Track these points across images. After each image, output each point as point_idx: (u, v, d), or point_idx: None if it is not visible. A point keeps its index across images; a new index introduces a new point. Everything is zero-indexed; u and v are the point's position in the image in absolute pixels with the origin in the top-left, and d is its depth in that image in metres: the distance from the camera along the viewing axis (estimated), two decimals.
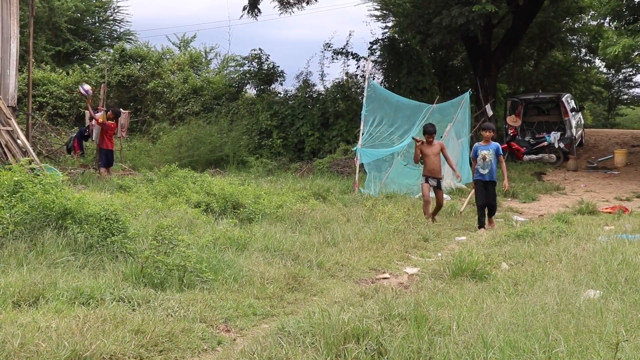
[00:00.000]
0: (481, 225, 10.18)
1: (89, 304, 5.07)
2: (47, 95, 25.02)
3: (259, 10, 23.31)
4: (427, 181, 10.63)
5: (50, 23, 30.04)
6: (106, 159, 15.65)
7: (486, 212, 10.35)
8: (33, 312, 4.76)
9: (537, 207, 12.98)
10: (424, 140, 10.64)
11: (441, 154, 10.74)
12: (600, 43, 18.40)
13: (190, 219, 8.58)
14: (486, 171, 10.15)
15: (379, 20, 29.17)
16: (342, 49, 22.43)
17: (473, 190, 10.78)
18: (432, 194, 10.85)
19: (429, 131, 10.65)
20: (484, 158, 10.16)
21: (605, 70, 35.37)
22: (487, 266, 6.71)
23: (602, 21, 21.06)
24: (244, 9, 23.23)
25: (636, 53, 18.48)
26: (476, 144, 10.56)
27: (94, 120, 17.01)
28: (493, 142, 10.43)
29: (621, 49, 16.79)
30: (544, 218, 11.22)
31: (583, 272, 6.15)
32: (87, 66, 28.32)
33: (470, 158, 11.69)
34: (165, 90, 24.58)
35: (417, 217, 10.43)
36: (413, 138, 11.04)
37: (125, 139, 20.36)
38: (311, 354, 4.14)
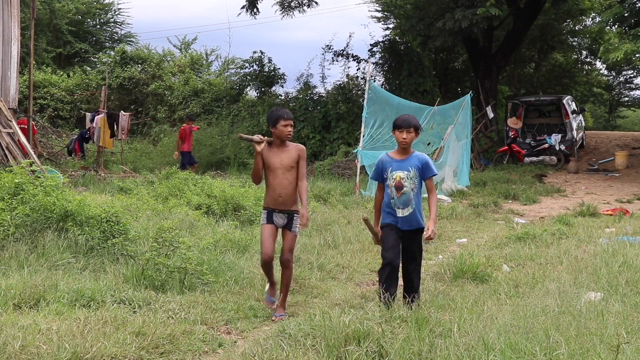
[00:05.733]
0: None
1: (89, 306, 5.07)
2: (48, 97, 25.09)
3: (258, 10, 23.39)
4: (269, 219, 5.50)
5: (52, 25, 30.10)
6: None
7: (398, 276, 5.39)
8: (34, 314, 4.76)
9: (538, 209, 12.97)
10: (264, 140, 5.50)
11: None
12: (601, 47, 18.38)
13: (191, 221, 8.59)
14: (405, 211, 5.26)
15: (380, 22, 29.24)
16: (343, 50, 22.48)
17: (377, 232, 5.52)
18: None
19: (276, 118, 5.47)
20: (398, 186, 5.26)
21: (606, 72, 35.42)
22: (488, 268, 6.72)
23: (604, 24, 21.05)
24: (243, 7, 23.32)
25: (637, 56, 18.44)
26: (383, 156, 5.51)
27: (94, 122, 17.06)
28: (416, 154, 5.40)
29: (623, 55, 16.77)
30: (544, 220, 11.21)
31: (584, 275, 6.15)
32: (88, 68, 28.42)
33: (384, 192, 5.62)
34: (166, 92, 24.62)
35: None
36: (240, 136, 5.88)
37: (126, 141, 20.39)
38: (312, 356, 4.14)
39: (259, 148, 5.39)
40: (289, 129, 5.49)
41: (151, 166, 18.12)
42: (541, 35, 27.17)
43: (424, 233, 5.26)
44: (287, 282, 5.55)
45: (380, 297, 5.15)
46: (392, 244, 5.26)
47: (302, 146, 5.62)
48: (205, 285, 5.92)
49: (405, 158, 5.33)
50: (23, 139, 13.30)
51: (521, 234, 8.84)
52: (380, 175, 5.41)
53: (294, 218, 5.49)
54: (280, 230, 5.55)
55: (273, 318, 5.41)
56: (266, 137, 5.49)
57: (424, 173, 5.32)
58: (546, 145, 20.12)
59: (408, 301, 5.28)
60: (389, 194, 5.32)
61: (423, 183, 5.38)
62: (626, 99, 38.14)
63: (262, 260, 5.50)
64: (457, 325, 4.45)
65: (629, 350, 3.79)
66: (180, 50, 32.91)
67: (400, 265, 5.36)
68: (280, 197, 5.42)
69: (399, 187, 5.25)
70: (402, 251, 5.32)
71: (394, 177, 5.27)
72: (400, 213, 5.26)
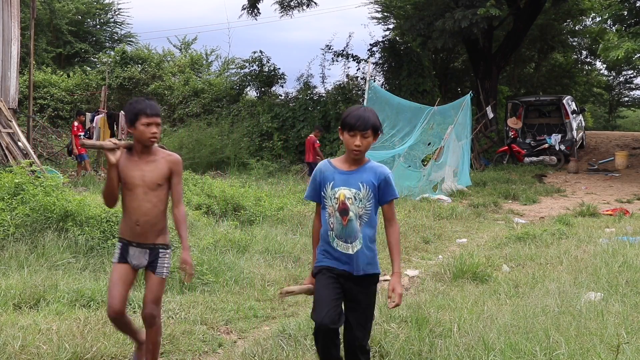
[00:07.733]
0: None
1: (89, 306, 5.08)
2: (48, 97, 25.09)
3: (258, 11, 23.49)
4: (122, 256, 3.80)
5: (51, 25, 30.11)
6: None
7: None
8: (34, 314, 4.77)
9: (538, 209, 12.97)
10: (119, 146, 3.74)
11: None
12: (601, 45, 18.44)
13: (191, 221, 8.58)
14: (350, 247, 3.52)
15: (380, 23, 29.27)
16: (343, 51, 22.52)
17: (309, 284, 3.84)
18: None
19: (135, 113, 3.70)
20: (343, 209, 3.48)
21: (606, 72, 35.46)
22: (488, 268, 6.71)
23: (603, 25, 21.09)
24: (244, 8, 23.38)
25: (637, 55, 18.47)
26: (323, 164, 3.63)
27: (94, 122, 17.07)
28: (372, 164, 3.56)
29: (624, 53, 16.79)
30: (544, 220, 11.21)
31: (584, 275, 6.15)
32: (88, 68, 28.41)
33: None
34: (166, 92, 24.64)
35: (418, 219, 10.40)
36: (83, 144, 4.14)
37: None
38: (312, 356, 4.14)
39: (112, 158, 3.68)
40: (153, 129, 3.72)
41: None
42: (541, 35, 27.20)
43: (388, 300, 3.58)
44: (155, 347, 3.85)
45: None
46: (329, 299, 3.48)
47: (177, 156, 3.85)
48: (205, 285, 5.92)
49: (355, 169, 3.52)
50: (23, 139, 13.31)
51: (521, 234, 8.84)
52: (317, 193, 3.61)
53: (160, 255, 3.80)
54: (140, 271, 3.93)
55: None
56: (122, 142, 3.81)
57: (382, 194, 3.52)
58: (546, 145, 20.13)
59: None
60: (328, 221, 3.54)
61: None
62: (626, 99, 38.20)
63: (109, 316, 3.75)
64: (457, 325, 4.46)
65: (629, 350, 3.79)
66: (180, 50, 32.94)
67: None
68: (138, 226, 3.72)
69: (344, 211, 3.47)
70: (345, 307, 3.59)
71: (336, 195, 3.49)
72: (343, 249, 3.52)
